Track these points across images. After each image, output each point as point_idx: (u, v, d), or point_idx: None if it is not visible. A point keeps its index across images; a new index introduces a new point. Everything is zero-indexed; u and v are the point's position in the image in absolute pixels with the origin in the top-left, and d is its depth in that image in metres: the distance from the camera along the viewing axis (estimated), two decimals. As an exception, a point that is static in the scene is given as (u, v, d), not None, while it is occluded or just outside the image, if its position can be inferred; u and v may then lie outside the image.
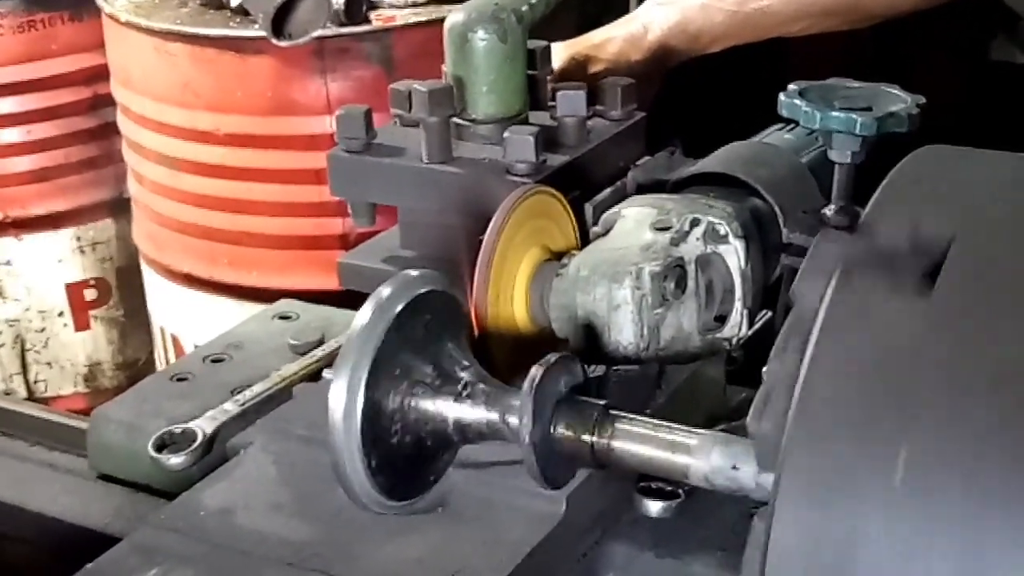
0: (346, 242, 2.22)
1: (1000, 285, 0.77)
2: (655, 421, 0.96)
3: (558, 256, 1.15)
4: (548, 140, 1.24)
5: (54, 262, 2.96)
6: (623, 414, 0.96)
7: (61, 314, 2.99)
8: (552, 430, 0.94)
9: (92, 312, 3.01)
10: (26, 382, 3.02)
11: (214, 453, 1.21)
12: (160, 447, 1.21)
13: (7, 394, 2.96)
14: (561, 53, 1.65)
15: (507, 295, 1.11)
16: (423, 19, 2.21)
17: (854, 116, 1.17)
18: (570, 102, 1.28)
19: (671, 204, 1.15)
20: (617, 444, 0.95)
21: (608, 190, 1.25)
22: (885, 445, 0.72)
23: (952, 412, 0.72)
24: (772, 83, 1.27)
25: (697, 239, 1.12)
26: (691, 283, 1.11)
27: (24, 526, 1.29)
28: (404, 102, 1.28)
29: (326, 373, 1.16)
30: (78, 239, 2.97)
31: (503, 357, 1.09)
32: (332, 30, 2.17)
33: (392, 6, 2.27)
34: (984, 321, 0.75)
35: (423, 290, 0.98)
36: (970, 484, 0.70)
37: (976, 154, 0.93)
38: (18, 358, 3.01)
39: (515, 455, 0.95)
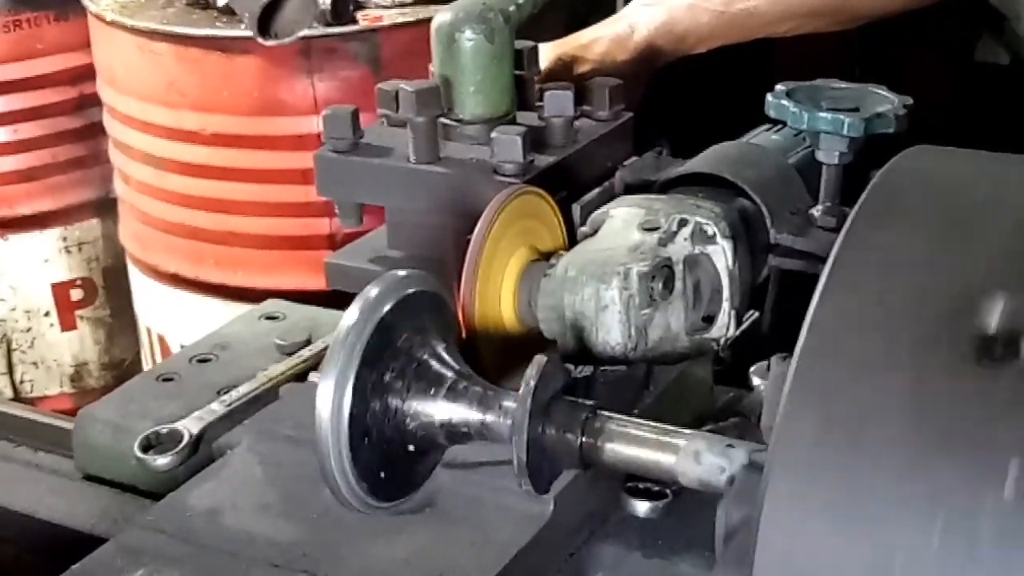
0: (333, 242, 2.22)
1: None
2: (643, 422, 0.96)
3: (546, 256, 1.15)
4: (536, 140, 1.24)
5: (40, 262, 2.96)
6: (612, 415, 0.96)
7: (47, 314, 2.98)
8: (542, 432, 0.94)
9: (78, 312, 3.00)
10: (12, 382, 3.01)
11: (200, 454, 1.21)
12: (146, 448, 1.21)
13: (-8, 394, 2.96)
14: (548, 53, 1.65)
15: (495, 295, 1.11)
16: (410, 19, 2.21)
17: (841, 117, 1.17)
18: (558, 102, 1.28)
19: (659, 204, 1.15)
20: (606, 445, 0.95)
21: (596, 190, 1.24)
22: None
23: None
24: (759, 84, 1.27)
25: (685, 239, 1.12)
26: (679, 283, 1.11)
27: (9, 527, 1.28)
28: (391, 102, 1.28)
29: (312, 375, 1.16)
30: (64, 239, 2.96)
31: (491, 357, 1.09)
32: (319, 30, 2.17)
33: (379, 6, 2.27)
34: None
35: (410, 291, 0.98)
36: None
37: (961, 159, 0.93)
38: (4, 358, 3.00)
39: (503, 455, 0.95)
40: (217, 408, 1.25)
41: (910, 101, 1.20)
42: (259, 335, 1.43)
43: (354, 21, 2.23)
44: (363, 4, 2.27)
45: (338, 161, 1.26)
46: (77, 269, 2.98)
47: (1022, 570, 0.69)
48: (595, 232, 1.16)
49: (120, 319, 2.96)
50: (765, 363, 1.23)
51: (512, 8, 1.27)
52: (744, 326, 1.18)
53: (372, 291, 0.96)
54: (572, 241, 1.18)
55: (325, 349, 1.11)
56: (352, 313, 0.94)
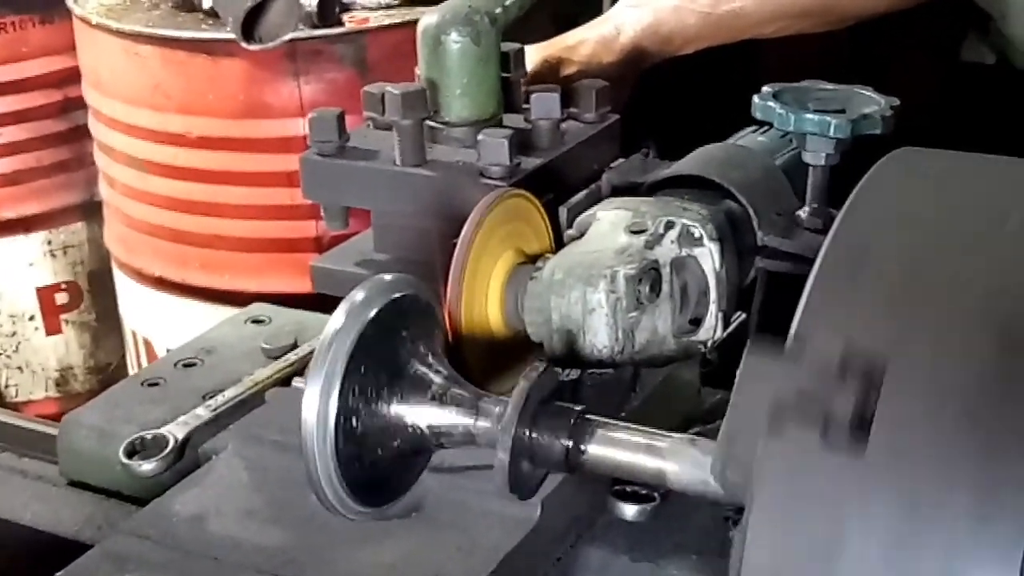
0: (319, 245, 2.22)
1: (935, 432, 0.73)
2: (630, 425, 0.96)
3: (532, 259, 1.14)
4: (522, 143, 1.23)
5: (25, 265, 2.95)
6: (599, 418, 0.96)
7: (32, 318, 2.98)
8: (528, 436, 0.94)
9: (63, 316, 3.00)
10: (-4, 387, 3.01)
11: (186, 459, 1.20)
12: (131, 453, 1.20)
13: (-23, 399, 2.95)
14: (533, 56, 1.65)
15: (481, 299, 1.11)
16: (396, 21, 2.21)
17: (828, 118, 1.17)
18: (544, 105, 1.28)
19: (645, 207, 1.15)
20: (593, 449, 0.94)
21: (583, 193, 1.24)
22: None
23: None
24: (746, 85, 1.27)
25: (672, 242, 1.11)
26: (666, 286, 1.11)
27: (-6, 533, 1.28)
28: (377, 105, 1.28)
29: (296, 382, 1.16)
30: (49, 242, 2.95)
31: (477, 361, 1.09)
32: (305, 32, 2.17)
33: (365, 8, 2.26)
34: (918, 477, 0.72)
35: (397, 294, 0.97)
36: None
37: (948, 161, 0.93)
38: (-11, 362, 3.00)
39: (489, 460, 0.95)
40: (202, 413, 1.25)
41: (897, 102, 1.19)
42: (245, 339, 1.42)
43: (340, 23, 2.22)
44: (349, 6, 2.27)
45: (324, 164, 1.26)
46: (62, 273, 2.97)
47: None
48: (582, 235, 1.15)
49: (105, 323, 2.95)
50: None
51: (498, 10, 1.27)
52: (731, 328, 1.17)
53: (358, 295, 0.96)
54: (559, 244, 1.18)
55: (311, 353, 1.10)
56: (338, 317, 0.94)
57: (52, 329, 2.99)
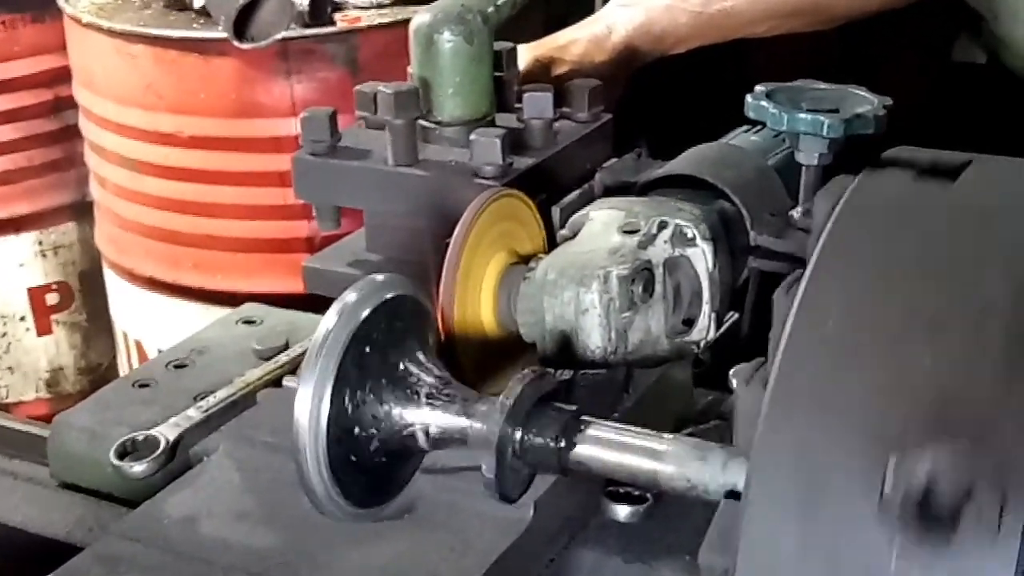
0: (311, 245, 2.22)
1: None
2: (623, 426, 0.96)
3: (525, 260, 1.14)
4: (515, 142, 1.23)
5: (15, 266, 2.94)
6: (591, 419, 0.96)
7: (23, 319, 2.97)
8: (520, 438, 0.94)
9: (54, 316, 2.99)
10: (-13, 387, 3.00)
11: (177, 460, 1.20)
12: (122, 455, 1.20)
13: (-33, 401, 2.94)
14: (525, 55, 1.64)
15: (474, 299, 1.11)
16: (388, 20, 2.21)
17: (821, 118, 1.17)
18: (537, 104, 1.27)
19: (639, 207, 1.15)
20: (585, 450, 0.94)
21: (575, 193, 1.24)
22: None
23: None
24: (738, 84, 1.26)
25: (665, 242, 1.11)
26: (659, 286, 1.10)
27: (-16, 535, 1.27)
28: (369, 104, 1.27)
29: (287, 381, 1.15)
30: (40, 243, 2.95)
31: (470, 362, 1.09)
32: (297, 31, 2.16)
33: (357, 7, 2.26)
34: None
35: (389, 295, 0.97)
36: None
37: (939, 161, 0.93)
38: (-21, 363, 2.99)
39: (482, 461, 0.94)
40: (194, 414, 1.24)
41: (890, 102, 1.19)
42: (236, 340, 1.42)
43: (332, 22, 2.22)
44: (341, 5, 2.27)
45: (316, 164, 1.25)
46: (53, 273, 2.97)
47: None
48: (575, 235, 1.15)
49: (96, 323, 2.95)
50: (745, 365, 1.23)
51: (491, 9, 1.27)
52: (724, 328, 1.17)
53: (350, 296, 0.95)
54: (552, 244, 1.17)
55: (303, 354, 1.10)
56: (330, 318, 0.94)
57: (43, 330, 2.98)
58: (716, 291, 1.14)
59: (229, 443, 1.16)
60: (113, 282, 2.58)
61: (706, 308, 1.14)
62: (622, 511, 1.07)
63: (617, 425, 0.96)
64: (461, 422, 0.96)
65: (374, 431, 0.96)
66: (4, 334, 2.97)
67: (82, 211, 2.87)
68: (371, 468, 0.97)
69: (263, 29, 2.04)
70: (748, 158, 1.28)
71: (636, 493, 1.07)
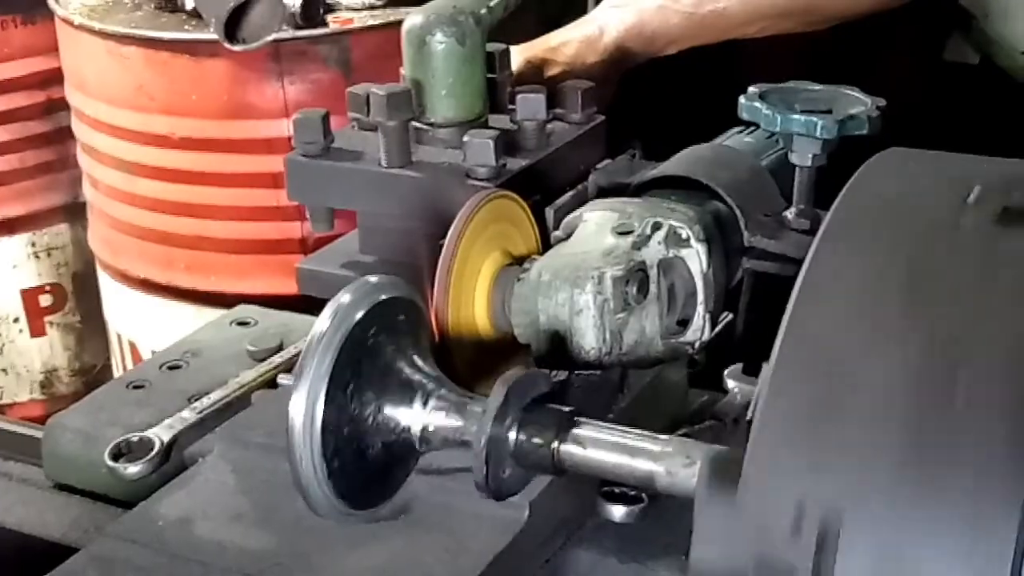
0: (305, 246, 2.22)
1: None
2: (618, 427, 0.96)
3: (519, 261, 1.14)
4: (508, 144, 1.23)
5: (9, 267, 2.94)
6: (586, 420, 0.96)
7: (16, 320, 2.96)
8: (515, 438, 0.94)
9: (48, 318, 2.98)
10: (-20, 390, 3.00)
11: (172, 462, 1.20)
12: (117, 456, 1.20)
13: (-38, 403, 2.94)
14: (517, 56, 1.65)
15: (468, 300, 1.11)
16: (380, 22, 2.21)
17: (814, 119, 1.17)
18: (530, 105, 1.28)
19: (632, 208, 1.15)
20: (580, 450, 0.94)
21: (569, 194, 1.24)
22: None
23: None
24: (730, 85, 1.27)
25: (659, 243, 1.11)
26: (653, 287, 1.11)
27: (-22, 538, 1.27)
28: (362, 106, 1.27)
29: (281, 379, 1.15)
30: (33, 244, 2.94)
31: (465, 363, 1.09)
32: (289, 33, 2.16)
33: (349, 8, 2.26)
34: None
35: (383, 296, 0.97)
36: None
37: (933, 162, 0.93)
38: (-27, 365, 2.98)
39: (478, 462, 0.95)
40: (188, 415, 1.24)
41: (883, 103, 1.20)
42: (230, 341, 1.42)
43: (324, 24, 2.22)
44: (333, 7, 2.27)
45: (309, 165, 1.25)
46: (46, 274, 2.96)
47: None
48: (568, 236, 1.15)
49: (90, 325, 2.94)
50: (739, 366, 1.23)
51: (483, 11, 1.27)
52: (718, 329, 1.17)
53: (344, 297, 0.95)
54: (546, 245, 1.17)
55: (297, 355, 1.10)
56: (324, 319, 0.94)
57: (36, 331, 2.98)
58: (710, 292, 1.14)
59: (223, 444, 1.16)
60: (106, 283, 2.58)
61: (700, 309, 1.14)
62: (618, 511, 1.07)
63: (611, 426, 0.96)
64: (455, 423, 0.96)
65: (369, 432, 0.96)
66: (-3, 336, 2.97)
67: (75, 212, 2.87)
68: (366, 469, 0.97)
69: (254, 31, 2.04)
70: (742, 159, 1.28)
71: (632, 493, 1.08)
